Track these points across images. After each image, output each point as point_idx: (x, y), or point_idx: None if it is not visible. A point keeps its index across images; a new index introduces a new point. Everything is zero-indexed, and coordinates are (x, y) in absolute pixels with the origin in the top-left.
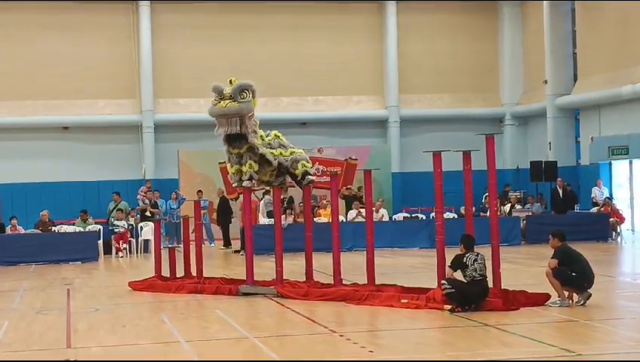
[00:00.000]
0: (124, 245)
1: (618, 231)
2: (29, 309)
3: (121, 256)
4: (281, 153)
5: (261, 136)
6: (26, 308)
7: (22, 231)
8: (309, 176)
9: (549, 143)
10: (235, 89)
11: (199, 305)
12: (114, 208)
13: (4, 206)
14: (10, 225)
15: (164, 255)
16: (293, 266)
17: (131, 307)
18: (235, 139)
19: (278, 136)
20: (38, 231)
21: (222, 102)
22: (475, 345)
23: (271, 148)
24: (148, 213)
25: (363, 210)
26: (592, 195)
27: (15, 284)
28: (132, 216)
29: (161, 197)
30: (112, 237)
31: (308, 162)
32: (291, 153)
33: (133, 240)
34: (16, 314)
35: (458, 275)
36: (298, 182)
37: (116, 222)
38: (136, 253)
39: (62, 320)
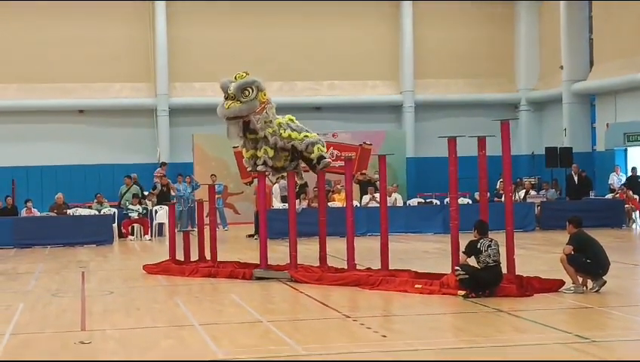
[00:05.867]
0: (146, 236)
1: (633, 217)
2: (45, 291)
3: (132, 240)
4: (295, 137)
5: (279, 123)
6: (41, 291)
7: (37, 213)
8: (325, 160)
9: (565, 129)
10: (236, 88)
11: (213, 288)
12: (126, 191)
13: (19, 188)
14: (25, 208)
15: (179, 238)
16: (307, 251)
17: (146, 290)
18: (247, 125)
19: (293, 120)
20: (53, 214)
21: (225, 102)
22: (489, 331)
23: (290, 129)
24: (172, 193)
25: (377, 195)
26: (610, 181)
27: (31, 267)
28: (150, 201)
29: (184, 181)
30: (122, 222)
31: (323, 146)
32: (305, 136)
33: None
34: (32, 297)
35: (472, 261)
36: (313, 167)
37: (131, 206)
38: (152, 236)
39: (77, 303)
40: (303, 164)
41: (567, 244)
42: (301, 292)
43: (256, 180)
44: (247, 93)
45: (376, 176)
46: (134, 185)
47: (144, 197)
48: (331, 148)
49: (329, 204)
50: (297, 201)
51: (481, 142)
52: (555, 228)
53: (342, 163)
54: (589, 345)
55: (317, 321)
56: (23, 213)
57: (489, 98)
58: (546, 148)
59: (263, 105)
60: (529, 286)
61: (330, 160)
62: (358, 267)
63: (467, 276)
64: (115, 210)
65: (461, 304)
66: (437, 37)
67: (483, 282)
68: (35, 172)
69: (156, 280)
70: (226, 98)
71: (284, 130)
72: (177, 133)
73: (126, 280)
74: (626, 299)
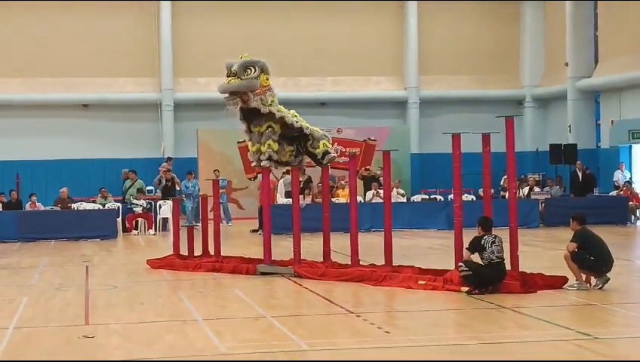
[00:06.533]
0: (150, 230)
1: (637, 214)
2: (48, 285)
3: (136, 234)
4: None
5: (279, 110)
6: (45, 285)
7: (41, 207)
8: (330, 154)
9: (569, 126)
10: (239, 65)
11: (217, 283)
12: (130, 186)
13: (23, 182)
14: (29, 202)
15: (183, 233)
16: (311, 246)
17: (149, 285)
18: (252, 116)
19: (296, 116)
20: (58, 208)
21: (227, 79)
22: (492, 327)
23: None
24: (177, 188)
25: (381, 191)
26: (615, 178)
27: (34, 261)
28: (161, 199)
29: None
30: (127, 216)
31: (329, 141)
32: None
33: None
34: (36, 290)
35: (475, 257)
36: (318, 162)
37: (135, 201)
38: (156, 230)
39: (80, 297)
40: (307, 160)
41: (571, 241)
42: (304, 287)
43: (260, 175)
44: (249, 71)
45: (380, 171)
46: (139, 180)
47: (151, 192)
48: (336, 143)
49: (333, 199)
50: (301, 197)
51: (486, 138)
52: (559, 225)
53: (346, 158)
54: (592, 342)
55: (320, 317)
56: (27, 207)
57: (494, 94)
58: (550, 144)
59: (263, 89)
60: (532, 283)
61: (335, 154)
62: (361, 263)
63: (471, 272)
64: (119, 205)
65: (464, 300)
66: (441, 33)
67: (486, 278)
68: (39, 166)
69: (160, 275)
70: (228, 76)
71: (286, 117)
72: (182, 128)
73: (130, 274)
74: (629, 297)
